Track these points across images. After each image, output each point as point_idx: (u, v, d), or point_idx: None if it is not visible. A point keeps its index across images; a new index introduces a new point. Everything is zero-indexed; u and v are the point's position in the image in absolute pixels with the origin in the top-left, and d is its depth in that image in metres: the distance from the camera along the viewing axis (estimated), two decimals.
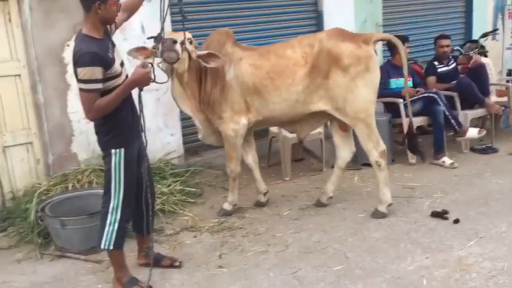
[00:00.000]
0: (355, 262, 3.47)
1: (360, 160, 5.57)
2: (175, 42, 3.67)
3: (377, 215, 4.16)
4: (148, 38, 4.17)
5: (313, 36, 4.11)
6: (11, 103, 4.46)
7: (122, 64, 3.07)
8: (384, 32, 6.84)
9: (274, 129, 5.41)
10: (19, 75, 4.47)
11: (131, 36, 4.94)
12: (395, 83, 5.75)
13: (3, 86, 4.41)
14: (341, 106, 3.98)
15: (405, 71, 4.26)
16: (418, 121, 5.61)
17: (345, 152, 4.32)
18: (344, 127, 4.28)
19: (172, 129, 5.38)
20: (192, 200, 4.68)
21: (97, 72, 2.81)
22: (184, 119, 5.57)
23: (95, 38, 2.89)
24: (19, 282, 3.44)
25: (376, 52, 4.06)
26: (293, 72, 3.96)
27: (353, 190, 4.86)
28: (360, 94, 3.94)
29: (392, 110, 5.68)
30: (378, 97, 5.82)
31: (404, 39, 5.85)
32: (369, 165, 5.45)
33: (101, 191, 4.12)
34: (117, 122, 3.01)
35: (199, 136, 4.33)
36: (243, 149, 4.36)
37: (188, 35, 3.84)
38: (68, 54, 4.63)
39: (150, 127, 4.57)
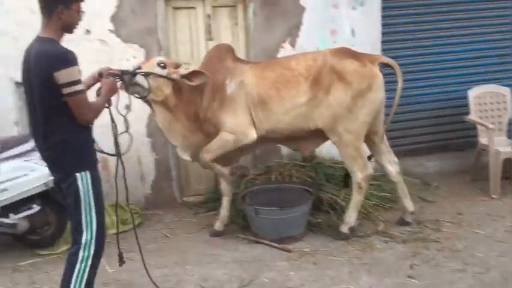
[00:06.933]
0: None
1: None
2: (134, 75, 3.56)
3: (340, 236, 4.02)
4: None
5: (318, 51, 4.05)
6: None
7: None
8: None
9: (483, 140, 4.99)
10: None
11: (341, 39, 5.10)
12: None
13: None
14: (335, 125, 3.85)
15: (396, 100, 3.93)
16: None
17: (389, 166, 4.14)
18: None
19: None
20: (386, 206, 4.62)
21: (79, 71, 2.57)
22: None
23: (59, 42, 2.63)
24: (224, 257, 3.87)
25: (382, 72, 3.85)
26: (297, 83, 3.84)
27: None
28: (356, 114, 3.79)
29: None
30: None
31: None
32: None
33: (296, 186, 4.43)
34: (85, 142, 2.70)
35: (183, 156, 4.13)
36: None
37: (159, 59, 3.84)
38: (283, 55, 5.02)
39: None
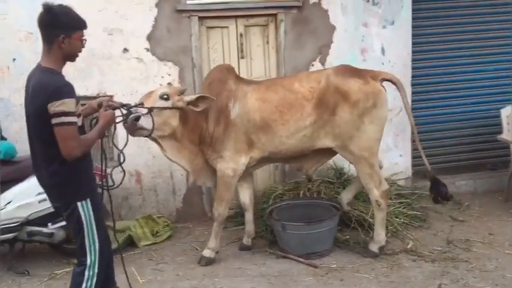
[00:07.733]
0: None
1: None
2: (137, 119, 3.37)
3: (369, 254, 4.01)
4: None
5: (320, 72, 4.04)
6: None
7: None
8: None
9: None
10: None
11: (371, 58, 5.14)
12: None
13: None
14: (346, 144, 3.86)
15: (411, 120, 4.07)
16: None
17: None
18: None
19: (401, 150, 5.38)
20: (415, 224, 4.59)
21: (74, 104, 2.54)
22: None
23: (60, 73, 2.63)
24: (251, 271, 3.92)
25: (384, 89, 3.86)
26: (301, 106, 3.83)
27: None
28: (366, 131, 3.80)
29: None
30: None
31: None
32: None
33: (324, 202, 4.46)
34: (83, 170, 2.72)
35: (191, 180, 4.19)
36: (240, 187, 4.26)
37: (161, 91, 3.64)
38: None
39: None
